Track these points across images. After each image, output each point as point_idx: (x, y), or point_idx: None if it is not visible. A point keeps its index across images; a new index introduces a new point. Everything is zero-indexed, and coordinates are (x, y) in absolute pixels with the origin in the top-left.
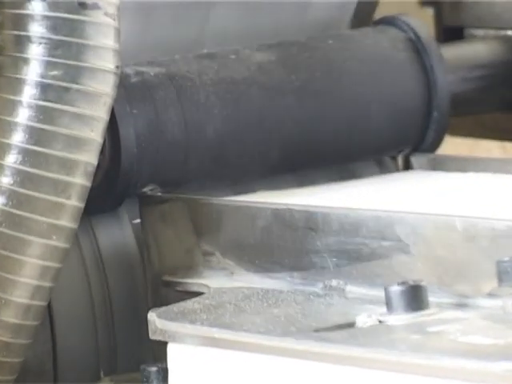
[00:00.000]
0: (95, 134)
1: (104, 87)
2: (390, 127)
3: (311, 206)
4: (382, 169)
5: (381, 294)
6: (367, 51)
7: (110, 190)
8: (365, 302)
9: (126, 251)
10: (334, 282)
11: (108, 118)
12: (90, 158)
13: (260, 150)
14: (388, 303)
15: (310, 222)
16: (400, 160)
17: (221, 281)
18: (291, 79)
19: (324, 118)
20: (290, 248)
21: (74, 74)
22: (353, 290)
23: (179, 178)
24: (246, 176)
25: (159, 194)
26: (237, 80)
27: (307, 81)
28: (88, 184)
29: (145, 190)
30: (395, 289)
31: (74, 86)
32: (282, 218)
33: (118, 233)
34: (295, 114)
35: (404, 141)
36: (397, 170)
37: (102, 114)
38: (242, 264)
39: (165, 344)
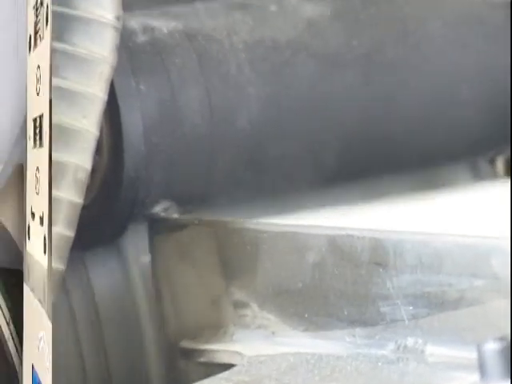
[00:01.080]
0: (89, 122)
1: (100, 48)
2: (487, 117)
3: (378, 231)
4: (476, 176)
5: (472, 355)
6: (455, 8)
7: (109, 211)
8: (450, 368)
9: (130, 306)
10: (409, 341)
11: (106, 98)
12: (81, 159)
13: (311, 149)
14: (481, 368)
15: (376, 255)
16: (499, 164)
17: (258, 345)
18: (352, 46)
19: (395, 104)
20: (351, 293)
21: (59, 27)
22: (434, 350)
23: (202, 191)
24: (292, 186)
25: (175, 215)
26: (279, 44)
27: (374, 49)
28: (79, 200)
29: (156, 209)
30: (491, 347)
31: (59, 45)
32: (340, 249)
33: (120, 277)
34: (357, 96)
35: (506, 137)
36: (495, 177)
37: (97, 90)
38: (286, 319)
39: None
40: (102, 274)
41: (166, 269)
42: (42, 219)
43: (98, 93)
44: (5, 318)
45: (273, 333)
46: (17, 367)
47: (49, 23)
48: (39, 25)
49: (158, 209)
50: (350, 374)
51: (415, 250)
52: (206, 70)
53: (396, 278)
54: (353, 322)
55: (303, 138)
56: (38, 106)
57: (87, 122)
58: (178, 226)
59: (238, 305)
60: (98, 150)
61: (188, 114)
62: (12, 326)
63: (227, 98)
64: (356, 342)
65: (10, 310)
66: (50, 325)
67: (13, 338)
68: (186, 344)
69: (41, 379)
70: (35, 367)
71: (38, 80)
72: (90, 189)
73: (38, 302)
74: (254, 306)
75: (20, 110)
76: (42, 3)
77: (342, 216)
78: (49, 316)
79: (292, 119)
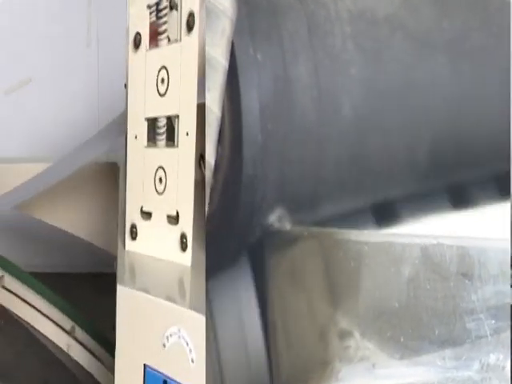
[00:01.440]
0: (211, 98)
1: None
2: None
3: (464, 238)
4: None
5: None
6: None
7: (229, 221)
8: None
9: (248, 347)
10: (492, 359)
11: (227, 66)
12: (205, 150)
13: (405, 143)
14: None
15: (463, 264)
16: None
17: (360, 381)
18: (442, 27)
19: (480, 99)
20: (441, 309)
21: None
22: None
23: (311, 192)
24: (389, 188)
25: (288, 226)
26: (378, 18)
27: (461, 33)
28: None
29: (271, 219)
30: None
31: None
32: (431, 259)
33: (240, 312)
34: (447, 83)
35: None
36: None
37: (219, 54)
38: (384, 346)
39: None
40: (223, 309)
41: (280, 295)
42: (175, 218)
43: (221, 58)
44: (60, 327)
45: (373, 365)
46: (94, 372)
47: (194, 30)
48: (164, 26)
49: (273, 218)
50: None
51: (497, 258)
52: (314, 41)
53: (480, 290)
54: (443, 343)
55: (399, 131)
56: (161, 105)
57: (210, 98)
58: (290, 240)
59: (343, 335)
60: (220, 139)
61: (299, 94)
62: (80, 332)
63: (333, 76)
64: (445, 366)
65: (73, 318)
66: (201, 318)
67: (82, 345)
68: None
69: (173, 376)
70: (153, 366)
71: (163, 81)
72: (212, 193)
73: (163, 300)
74: (357, 335)
75: (89, 109)
76: (173, 7)
77: (433, 224)
78: (197, 310)
79: (389, 108)
